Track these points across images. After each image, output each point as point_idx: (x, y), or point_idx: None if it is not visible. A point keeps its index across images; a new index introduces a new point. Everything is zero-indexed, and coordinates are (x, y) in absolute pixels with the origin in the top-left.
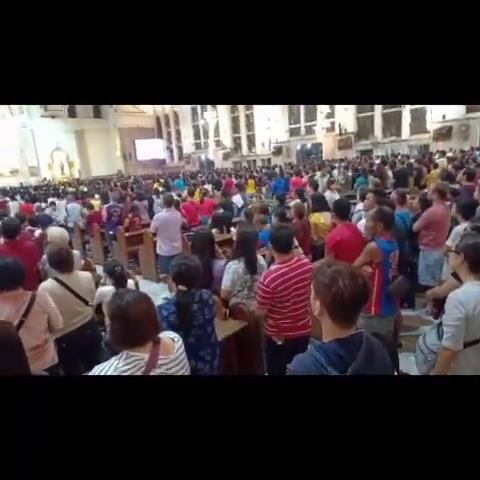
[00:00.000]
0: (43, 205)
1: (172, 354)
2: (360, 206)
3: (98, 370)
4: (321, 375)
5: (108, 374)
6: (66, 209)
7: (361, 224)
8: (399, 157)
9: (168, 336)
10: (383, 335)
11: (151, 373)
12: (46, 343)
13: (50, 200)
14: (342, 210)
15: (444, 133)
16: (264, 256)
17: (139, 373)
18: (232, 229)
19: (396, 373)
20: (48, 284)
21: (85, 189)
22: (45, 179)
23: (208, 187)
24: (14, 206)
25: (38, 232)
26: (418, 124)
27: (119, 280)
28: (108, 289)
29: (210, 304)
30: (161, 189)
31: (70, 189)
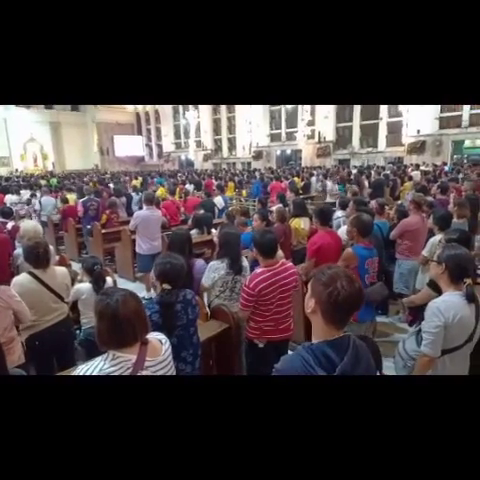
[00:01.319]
0: (14, 197)
1: (160, 356)
2: (339, 213)
3: (81, 372)
4: (309, 375)
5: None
6: (40, 202)
7: (341, 231)
8: (374, 168)
9: (156, 338)
10: (369, 338)
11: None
12: (12, 341)
13: (30, 192)
14: (325, 217)
15: (418, 147)
16: (246, 258)
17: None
18: (213, 230)
19: (379, 374)
20: (21, 278)
21: (55, 181)
22: (17, 170)
23: (189, 187)
24: None
25: (10, 224)
26: (394, 137)
27: (97, 279)
28: (85, 287)
29: (193, 304)
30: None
31: (42, 182)
